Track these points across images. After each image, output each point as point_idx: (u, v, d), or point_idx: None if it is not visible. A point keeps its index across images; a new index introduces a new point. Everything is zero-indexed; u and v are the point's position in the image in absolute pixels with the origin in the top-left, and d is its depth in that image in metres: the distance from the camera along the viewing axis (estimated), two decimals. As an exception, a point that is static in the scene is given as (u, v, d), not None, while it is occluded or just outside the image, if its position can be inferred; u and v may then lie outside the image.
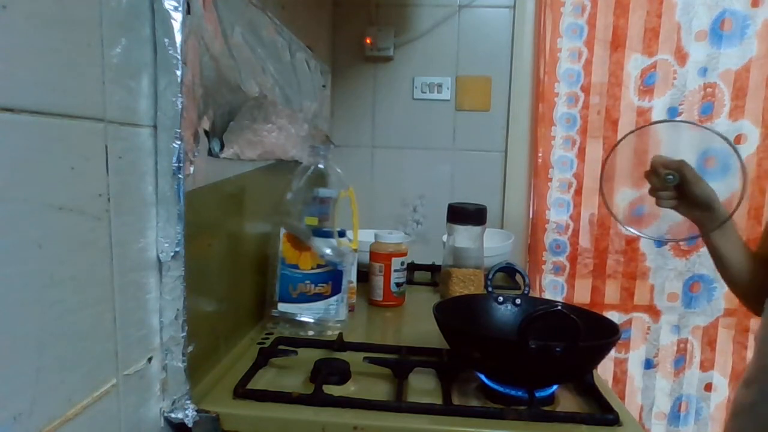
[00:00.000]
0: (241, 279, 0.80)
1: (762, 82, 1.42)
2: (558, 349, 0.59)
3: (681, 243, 1.49)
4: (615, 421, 0.59)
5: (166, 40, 0.52)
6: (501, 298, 0.81)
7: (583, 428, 0.58)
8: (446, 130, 1.52)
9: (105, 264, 0.47)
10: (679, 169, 0.89)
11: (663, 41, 1.43)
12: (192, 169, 0.57)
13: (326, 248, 0.83)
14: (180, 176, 0.54)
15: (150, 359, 0.55)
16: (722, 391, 1.56)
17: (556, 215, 1.52)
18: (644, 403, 1.58)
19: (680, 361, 1.56)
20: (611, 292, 1.54)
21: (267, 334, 0.84)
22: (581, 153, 1.49)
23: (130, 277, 0.51)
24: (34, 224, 0.38)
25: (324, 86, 1.31)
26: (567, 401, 0.66)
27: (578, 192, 1.51)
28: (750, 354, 1.53)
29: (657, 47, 1.43)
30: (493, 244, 1.18)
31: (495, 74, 1.49)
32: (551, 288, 1.55)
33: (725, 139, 0.89)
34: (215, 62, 0.64)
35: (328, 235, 0.85)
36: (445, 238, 1.10)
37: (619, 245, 1.51)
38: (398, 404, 0.61)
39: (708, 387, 1.56)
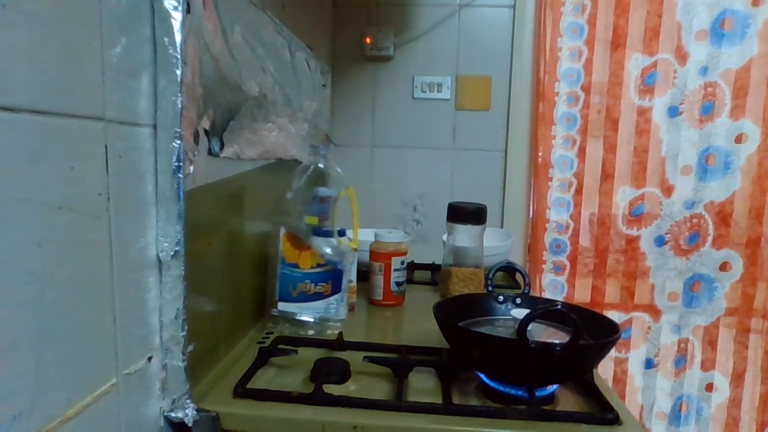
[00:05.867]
0: (241, 278, 0.80)
1: (763, 81, 1.42)
2: (558, 348, 0.59)
3: None
4: (615, 420, 0.59)
5: (165, 39, 0.52)
6: (501, 298, 0.81)
7: (583, 427, 0.58)
8: (446, 130, 1.51)
9: (105, 264, 0.47)
10: None
11: (663, 40, 1.43)
12: (192, 168, 0.57)
13: (326, 247, 0.83)
14: (180, 175, 0.54)
15: (150, 358, 0.55)
16: (723, 391, 1.56)
17: (557, 215, 1.52)
18: (645, 402, 1.58)
19: (681, 360, 1.55)
20: (611, 291, 1.54)
21: (267, 333, 0.84)
22: (581, 152, 1.49)
23: (130, 277, 0.51)
24: (34, 224, 0.38)
25: (324, 86, 1.31)
26: (567, 401, 0.66)
27: (578, 191, 1.51)
28: (751, 354, 1.53)
29: (657, 46, 1.43)
30: (493, 244, 1.18)
31: (495, 74, 1.49)
32: (551, 287, 1.55)
33: None
34: (215, 62, 0.64)
35: (328, 234, 0.85)
36: (445, 237, 1.10)
37: (619, 245, 1.51)
38: (398, 403, 0.61)
39: (709, 387, 1.56)
